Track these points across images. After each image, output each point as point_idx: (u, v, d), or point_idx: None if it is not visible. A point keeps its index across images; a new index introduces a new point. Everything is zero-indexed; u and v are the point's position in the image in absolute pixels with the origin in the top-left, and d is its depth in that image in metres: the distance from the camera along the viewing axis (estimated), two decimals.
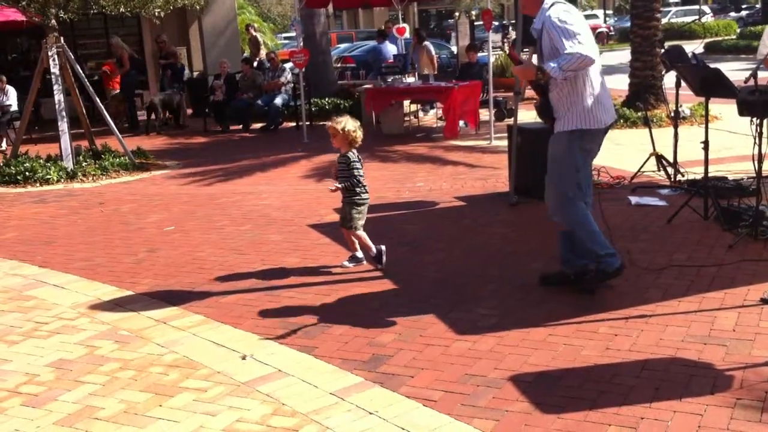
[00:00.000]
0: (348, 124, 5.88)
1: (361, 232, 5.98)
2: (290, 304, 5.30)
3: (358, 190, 5.94)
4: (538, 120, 8.36)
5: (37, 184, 10.39)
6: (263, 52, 17.71)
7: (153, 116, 15.51)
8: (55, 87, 10.90)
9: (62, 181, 10.50)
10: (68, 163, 10.79)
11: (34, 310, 5.51)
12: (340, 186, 5.91)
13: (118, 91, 15.90)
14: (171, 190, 9.84)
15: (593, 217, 5.09)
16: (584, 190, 5.09)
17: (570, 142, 4.95)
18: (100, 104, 11.61)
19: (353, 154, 5.93)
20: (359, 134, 5.94)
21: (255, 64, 16.49)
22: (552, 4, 4.91)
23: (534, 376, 4.01)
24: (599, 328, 4.54)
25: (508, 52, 5.15)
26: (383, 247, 5.99)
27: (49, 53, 10.80)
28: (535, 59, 5.07)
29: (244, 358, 4.46)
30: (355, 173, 5.90)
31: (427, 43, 16.45)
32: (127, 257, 6.72)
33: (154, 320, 5.15)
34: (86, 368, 4.44)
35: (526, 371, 4.06)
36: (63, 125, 10.84)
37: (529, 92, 15.28)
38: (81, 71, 11.25)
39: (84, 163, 10.91)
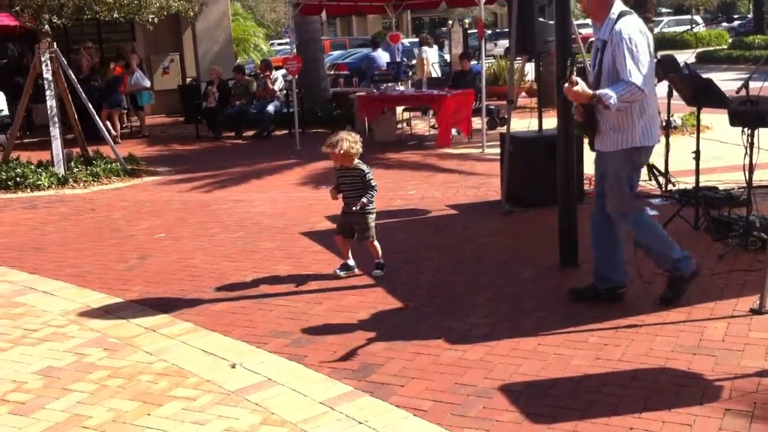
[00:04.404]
0: (344, 143, 5.77)
1: (376, 242, 5.99)
2: (281, 313, 5.28)
3: (373, 199, 5.95)
4: (531, 129, 8.40)
5: (28, 190, 10.35)
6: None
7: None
8: (48, 92, 10.88)
9: (53, 187, 10.46)
10: (59, 169, 10.76)
11: (23, 316, 5.49)
12: (363, 201, 5.82)
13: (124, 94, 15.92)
14: (163, 196, 9.82)
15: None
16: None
17: (626, 159, 4.83)
18: (92, 109, 11.58)
19: (365, 166, 5.91)
20: (359, 147, 5.86)
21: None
22: (621, 16, 4.75)
23: (524, 385, 4.01)
24: (589, 338, 4.54)
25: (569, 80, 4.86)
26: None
27: (42, 58, 10.78)
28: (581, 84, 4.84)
29: (233, 366, 4.44)
30: (372, 184, 5.88)
31: (424, 47, 16.55)
32: (118, 264, 6.69)
33: (144, 328, 5.13)
34: (75, 376, 4.42)
35: (516, 381, 4.06)
36: (55, 131, 10.81)
37: (522, 101, 15.35)
38: (73, 77, 11.23)
39: (75, 169, 10.87)
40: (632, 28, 4.69)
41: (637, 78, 4.58)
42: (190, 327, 5.10)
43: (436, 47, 18.06)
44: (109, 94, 14.93)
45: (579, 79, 4.70)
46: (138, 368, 4.49)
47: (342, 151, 5.78)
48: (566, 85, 4.75)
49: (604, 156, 4.96)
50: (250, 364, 4.45)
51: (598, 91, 4.68)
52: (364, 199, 5.85)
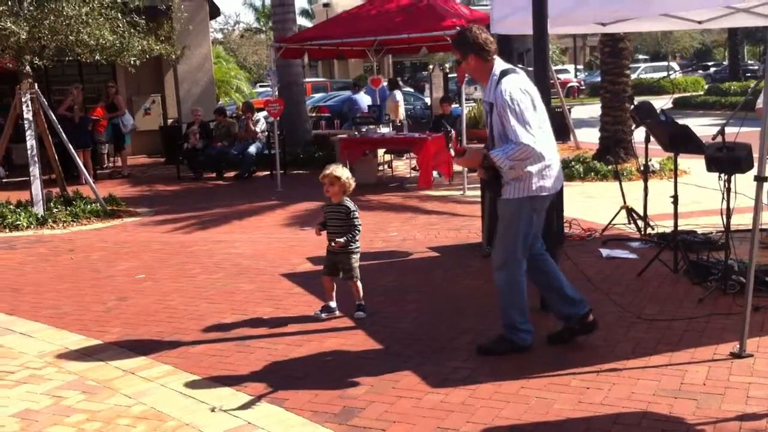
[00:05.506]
0: (345, 172, 5.91)
1: (359, 282, 5.98)
2: (261, 355, 5.25)
3: (356, 238, 5.93)
4: None
5: (7, 230, 10.26)
6: None
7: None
8: (28, 133, 10.86)
9: (32, 227, 10.38)
10: (39, 209, 10.69)
11: (0, 358, 5.41)
12: (342, 240, 5.80)
13: (103, 134, 15.90)
14: (142, 237, 9.77)
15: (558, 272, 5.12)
16: (536, 243, 5.09)
17: (520, 208, 4.88)
18: (72, 150, 11.56)
19: (351, 203, 5.92)
20: (352, 186, 5.95)
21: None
22: (503, 74, 4.78)
23: (506, 430, 3.99)
24: (571, 382, 4.54)
25: (451, 147, 5.11)
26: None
27: (23, 99, 10.77)
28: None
29: (213, 410, 4.39)
30: (356, 223, 5.87)
31: (395, 91, 16.77)
32: (97, 305, 6.63)
33: (122, 370, 5.07)
34: (52, 419, 4.36)
35: (498, 425, 4.04)
36: (35, 171, 10.77)
37: None
38: (54, 117, 11.23)
39: (55, 210, 10.81)
40: (513, 87, 4.71)
41: (525, 138, 4.64)
42: (169, 369, 5.05)
43: (400, 92, 18.12)
44: (74, 135, 14.83)
45: (465, 146, 4.79)
46: (116, 411, 4.43)
47: (346, 179, 5.85)
48: (453, 154, 4.85)
49: (502, 203, 4.98)
50: (231, 407, 4.41)
51: (490, 153, 4.76)
52: (343, 239, 5.82)
